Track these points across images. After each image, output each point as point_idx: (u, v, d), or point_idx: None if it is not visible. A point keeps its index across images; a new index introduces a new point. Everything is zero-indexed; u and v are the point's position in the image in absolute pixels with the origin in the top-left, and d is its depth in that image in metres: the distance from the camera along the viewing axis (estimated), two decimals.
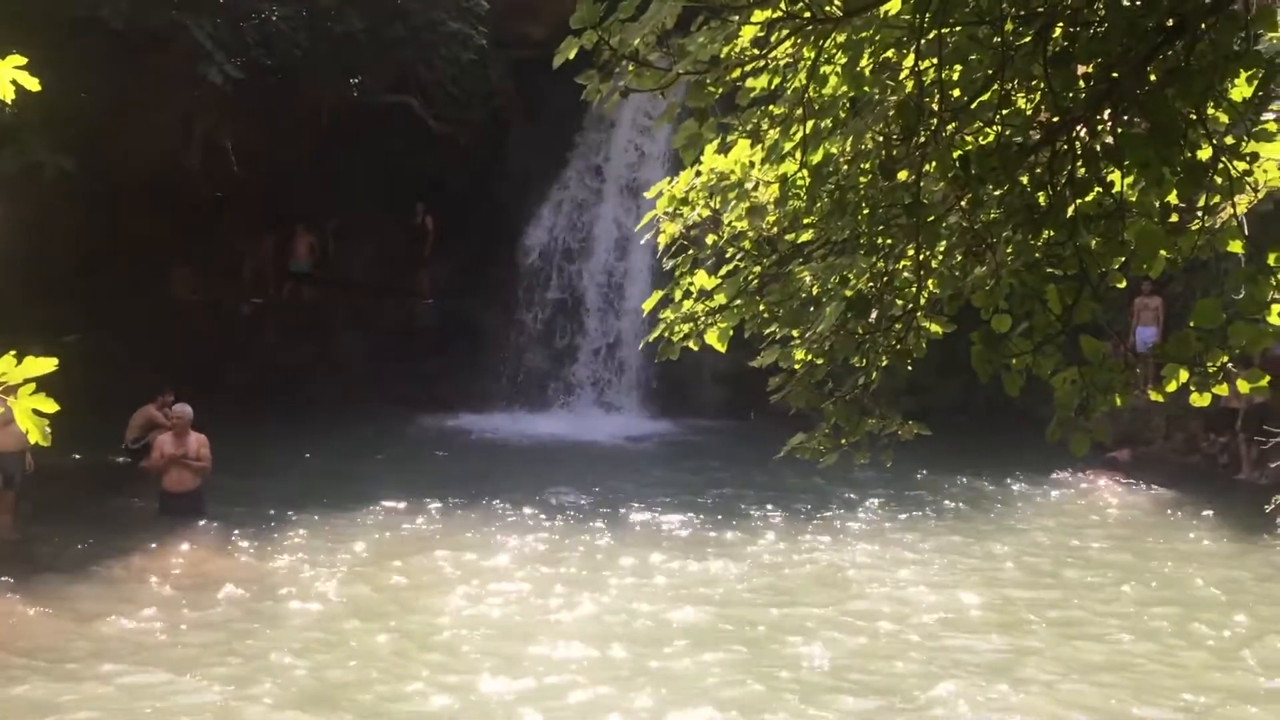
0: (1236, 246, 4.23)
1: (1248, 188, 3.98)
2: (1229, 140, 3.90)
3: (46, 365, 2.92)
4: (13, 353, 2.93)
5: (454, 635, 9.89)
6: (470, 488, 15.06)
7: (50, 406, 2.96)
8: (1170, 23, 3.55)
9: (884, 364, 4.90)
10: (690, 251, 5.32)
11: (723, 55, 4.18)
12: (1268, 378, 4.10)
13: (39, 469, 12.59)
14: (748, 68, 4.30)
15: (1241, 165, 3.86)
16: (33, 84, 3.50)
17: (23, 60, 3.50)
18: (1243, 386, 4.07)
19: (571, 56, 4.00)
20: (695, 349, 5.34)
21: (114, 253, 19.88)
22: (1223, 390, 4.04)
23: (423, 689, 8.75)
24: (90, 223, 18.99)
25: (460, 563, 11.94)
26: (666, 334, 5.29)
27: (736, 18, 3.95)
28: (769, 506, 14.57)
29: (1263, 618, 10.94)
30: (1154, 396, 4.36)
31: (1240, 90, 3.88)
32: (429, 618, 10.33)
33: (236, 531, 12.64)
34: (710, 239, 5.26)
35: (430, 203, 22.65)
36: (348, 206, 22.55)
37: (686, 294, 5.28)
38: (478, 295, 22.62)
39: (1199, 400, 4.12)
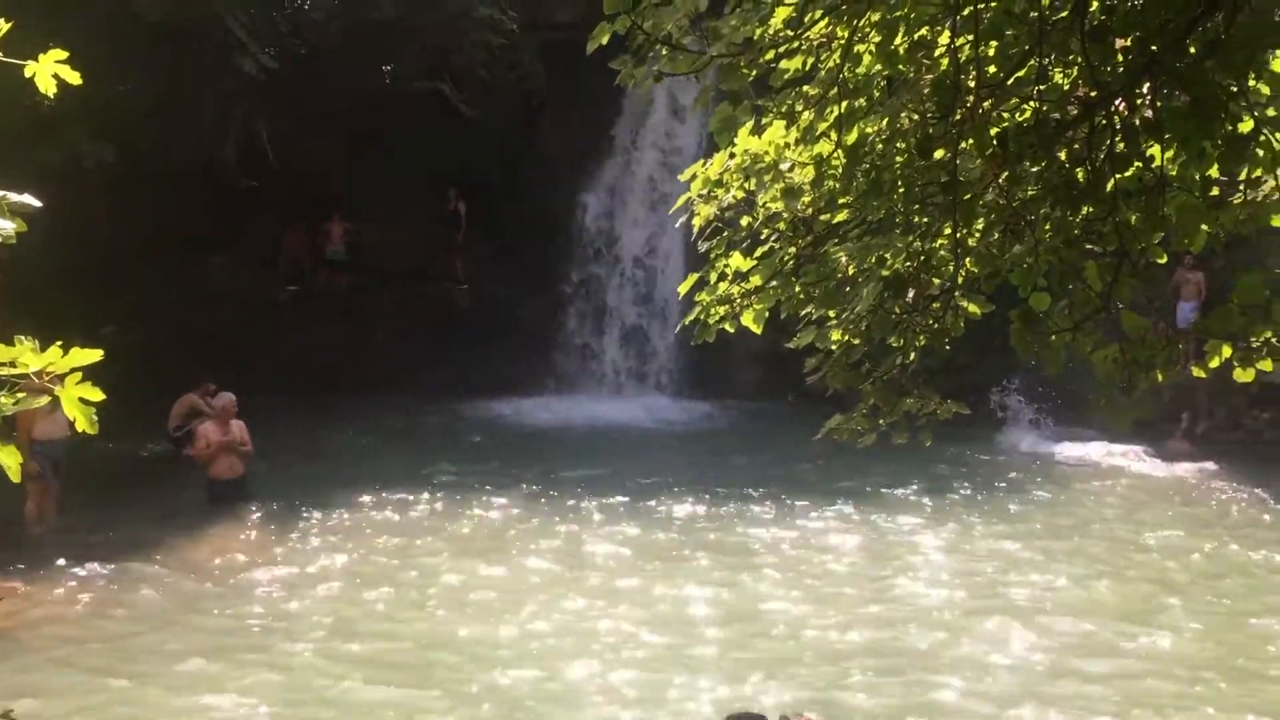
0: (1279, 220, 4.18)
1: None
2: (1270, 112, 3.85)
3: (92, 355, 2.95)
4: (59, 343, 2.97)
5: (487, 629, 9.95)
6: (509, 475, 15.12)
7: (96, 395, 3.00)
8: None
9: (922, 343, 4.87)
10: (725, 233, 5.30)
11: (756, 37, 4.16)
12: None
13: (81, 458, 12.69)
14: (781, 49, 4.28)
15: None
16: (74, 77, 3.53)
17: (64, 54, 3.53)
18: None
19: (605, 41, 4.01)
20: (731, 331, 5.33)
21: (150, 243, 20.07)
22: (1266, 366, 4.00)
23: (481, 677, 8.85)
24: (127, 214, 19.17)
25: (494, 550, 12.01)
26: (702, 316, 5.28)
27: None
28: (807, 489, 14.54)
29: None
30: (1196, 372, 4.31)
31: None
32: (470, 597, 10.43)
33: (284, 518, 12.77)
34: (745, 221, 5.24)
35: (463, 189, 22.68)
36: (382, 193, 22.62)
37: (722, 276, 5.26)
38: (512, 280, 22.67)
39: (1242, 376, 4.08)
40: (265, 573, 11.07)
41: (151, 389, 15.37)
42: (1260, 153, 3.69)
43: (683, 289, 5.46)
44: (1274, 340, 3.92)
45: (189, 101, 18.49)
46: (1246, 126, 3.65)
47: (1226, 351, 4.00)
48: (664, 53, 3.95)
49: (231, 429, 13.03)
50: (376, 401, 19.49)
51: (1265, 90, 3.88)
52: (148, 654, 9.14)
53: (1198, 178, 3.87)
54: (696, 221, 5.39)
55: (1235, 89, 3.59)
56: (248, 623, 9.84)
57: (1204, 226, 3.90)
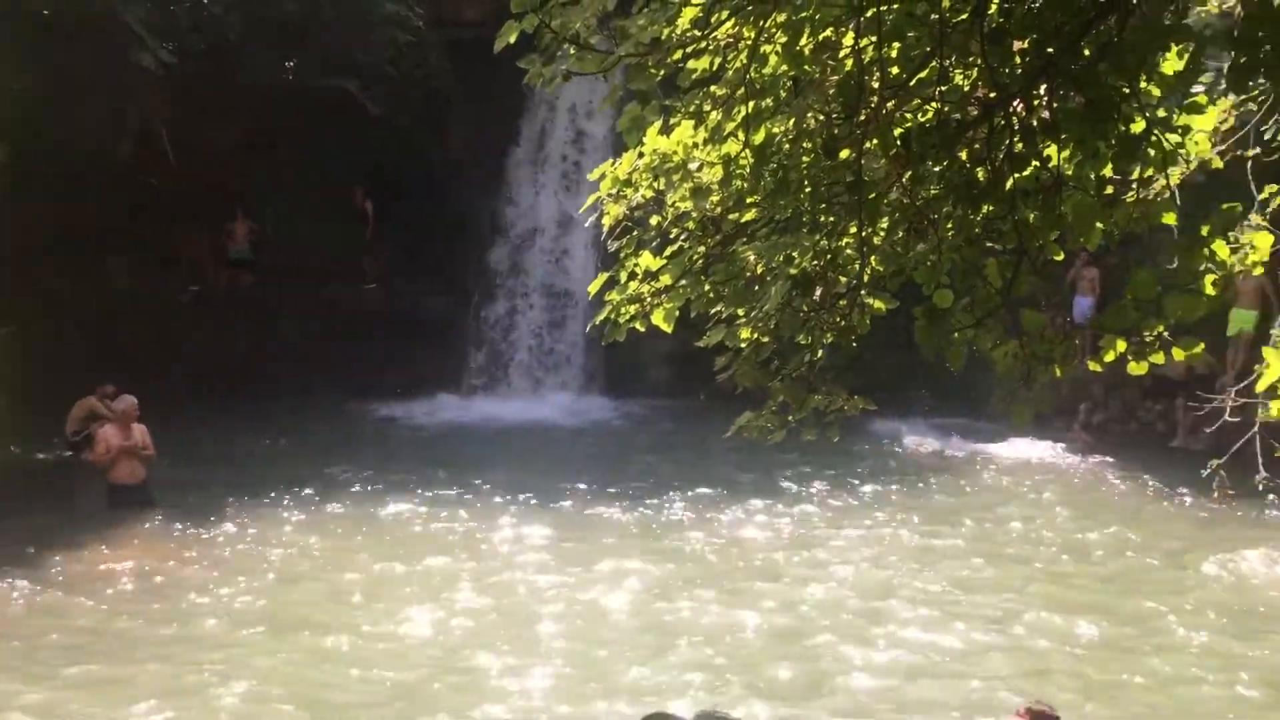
0: (1170, 218, 4.32)
1: (1180, 160, 4.06)
2: (1161, 113, 3.97)
3: None
4: None
5: (400, 629, 9.86)
6: (419, 475, 14.96)
7: None
8: None
9: (829, 341, 4.94)
10: (635, 233, 5.32)
11: (664, 37, 4.19)
12: (1202, 345, 4.20)
13: None
14: (689, 49, 4.31)
15: (1174, 138, 3.95)
16: None
17: None
18: (1178, 354, 4.17)
19: (513, 40, 4.00)
20: (642, 329, 5.35)
21: (49, 243, 19.46)
22: (1159, 359, 4.13)
23: (376, 686, 8.75)
24: (24, 214, 18.57)
25: (405, 551, 11.89)
26: (613, 316, 5.29)
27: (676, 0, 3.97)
28: (718, 486, 14.61)
29: (1194, 573, 11.26)
30: (1093, 367, 4.44)
31: (1171, 64, 3.95)
32: (372, 601, 10.32)
33: (187, 523, 12.48)
34: (654, 220, 5.27)
35: (370, 187, 22.40)
36: (287, 192, 22.23)
37: (632, 275, 5.28)
38: (420, 279, 22.43)
39: (1136, 369, 4.21)
40: (166, 579, 10.83)
41: (50, 391, 14.94)
42: (1151, 152, 3.81)
43: (593, 288, 5.47)
44: (1166, 334, 4.05)
45: (85, 98, 17.93)
46: (1138, 127, 3.76)
47: (1121, 346, 4.13)
48: (572, 52, 3.96)
49: (133, 433, 12.72)
50: (283, 403, 19.11)
51: (1156, 91, 4.00)
52: (38, 662, 8.88)
53: (1093, 177, 3.98)
54: (606, 221, 5.40)
55: (1128, 90, 3.70)
56: (147, 629, 9.61)
57: (1099, 224, 4.02)
